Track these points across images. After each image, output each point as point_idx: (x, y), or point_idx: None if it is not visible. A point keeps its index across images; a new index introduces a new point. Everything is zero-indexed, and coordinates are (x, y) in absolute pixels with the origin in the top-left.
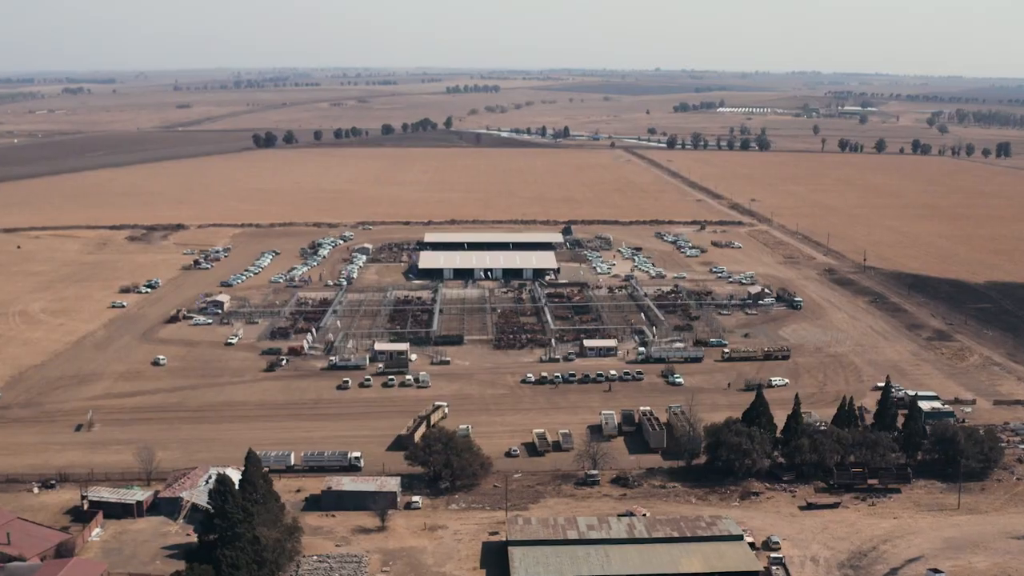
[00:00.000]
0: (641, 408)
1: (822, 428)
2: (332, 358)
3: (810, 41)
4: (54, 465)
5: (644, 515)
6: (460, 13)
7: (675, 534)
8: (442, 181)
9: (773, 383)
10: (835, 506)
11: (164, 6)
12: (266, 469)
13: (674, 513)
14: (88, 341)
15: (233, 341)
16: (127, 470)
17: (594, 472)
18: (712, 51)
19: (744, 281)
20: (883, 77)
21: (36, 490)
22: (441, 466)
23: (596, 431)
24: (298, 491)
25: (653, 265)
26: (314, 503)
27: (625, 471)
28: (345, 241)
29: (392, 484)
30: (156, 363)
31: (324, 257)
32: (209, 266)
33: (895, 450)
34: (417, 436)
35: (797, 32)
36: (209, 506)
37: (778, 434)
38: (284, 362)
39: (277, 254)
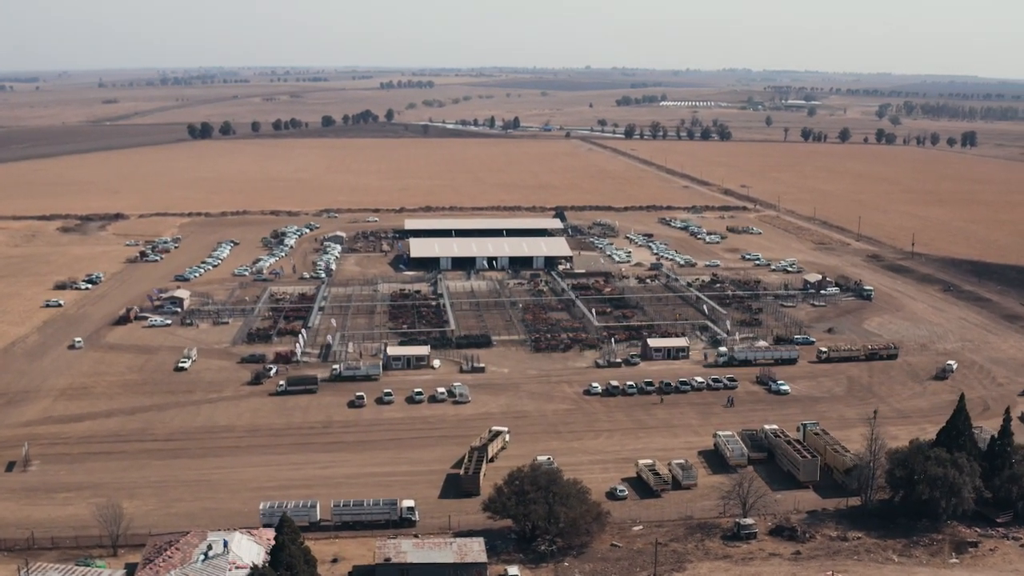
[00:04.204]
0: (767, 427)
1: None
2: (335, 366)
3: (736, 39)
4: None
5: None
6: (385, 12)
7: None
8: (399, 170)
9: (952, 367)
10: None
11: (87, 5)
12: None
13: None
14: (18, 348)
15: (186, 365)
16: (82, 531)
17: (749, 522)
18: (640, 49)
19: (789, 269)
20: (814, 74)
21: None
22: (542, 520)
23: (712, 458)
24: (335, 560)
25: (677, 252)
26: None
27: (785, 517)
28: (311, 230)
29: (476, 550)
30: (72, 347)
31: (291, 247)
32: (158, 258)
33: None
34: (482, 476)
35: (723, 30)
36: None
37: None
38: (272, 371)
39: (236, 244)
